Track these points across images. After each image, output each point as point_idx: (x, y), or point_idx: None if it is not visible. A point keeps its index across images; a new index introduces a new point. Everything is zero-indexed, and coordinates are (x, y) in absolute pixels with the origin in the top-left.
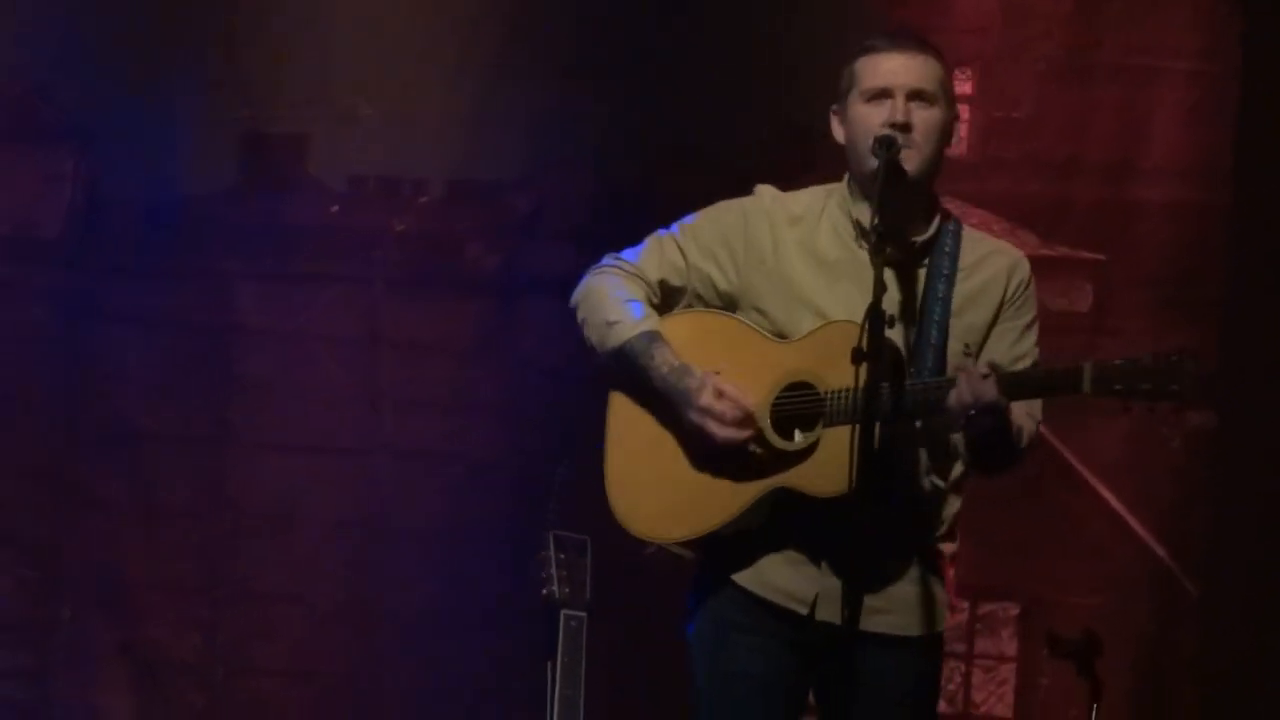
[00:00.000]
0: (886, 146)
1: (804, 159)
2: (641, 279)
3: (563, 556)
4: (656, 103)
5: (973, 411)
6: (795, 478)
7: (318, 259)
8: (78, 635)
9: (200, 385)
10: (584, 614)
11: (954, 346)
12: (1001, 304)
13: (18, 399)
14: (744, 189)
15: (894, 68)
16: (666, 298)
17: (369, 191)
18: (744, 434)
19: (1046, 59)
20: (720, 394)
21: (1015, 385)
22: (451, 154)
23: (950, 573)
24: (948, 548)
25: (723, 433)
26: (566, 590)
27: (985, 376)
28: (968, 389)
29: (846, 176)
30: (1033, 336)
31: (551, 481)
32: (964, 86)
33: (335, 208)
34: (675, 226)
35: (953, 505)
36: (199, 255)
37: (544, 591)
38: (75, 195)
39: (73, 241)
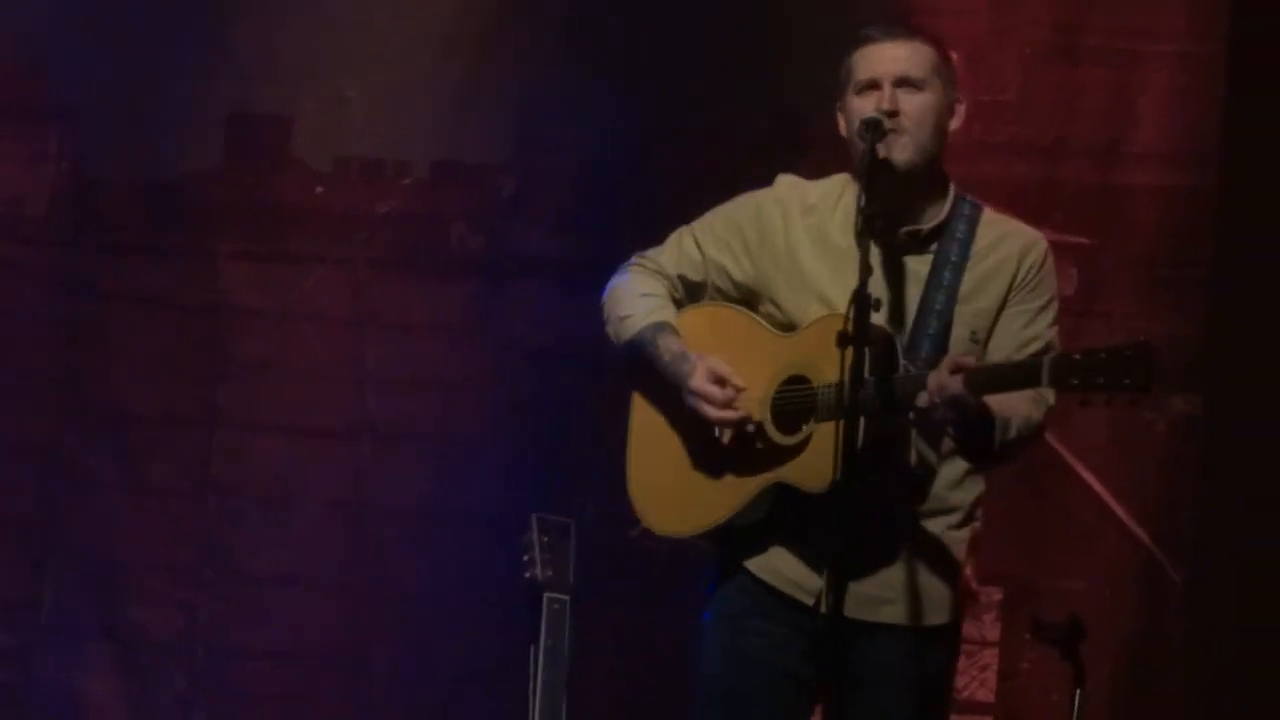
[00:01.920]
0: (872, 129)
1: (797, 143)
2: (661, 274)
3: (546, 539)
4: (645, 85)
5: (937, 401)
6: (788, 472)
7: (303, 240)
8: (61, 616)
9: (187, 365)
10: (567, 597)
11: (960, 333)
12: (1011, 287)
13: (6, 378)
14: (735, 172)
15: (881, 57)
16: (689, 292)
17: (353, 173)
18: (735, 415)
19: (1033, 42)
20: (714, 376)
21: (977, 379)
22: (436, 136)
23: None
24: (969, 533)
25: (715, 414)
26: (549, 573)
27: (954, 372)
28: (934, 382)
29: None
30: (1047, 318)
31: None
32: None
33: (320, 189)
34: (697, 221)
35: (971, 490)
36: (184, 235)
37: (527, 574)
38: (61, 175)
39: (58, 220)
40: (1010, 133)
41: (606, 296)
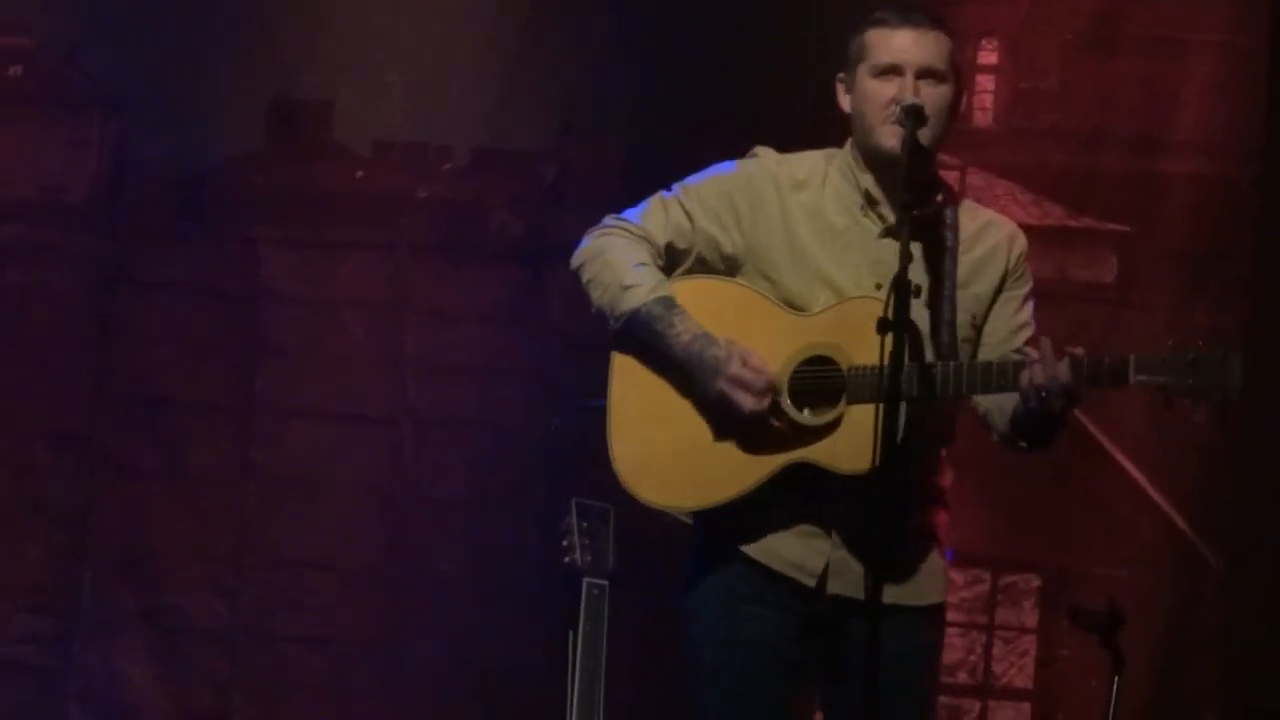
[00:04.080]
0: (913, 115)
1: (837, 130)
2: (648, 241)
3: (585, 524)
4: (686, 72)
5: (1044, 394)
6: (817, 453)
7: (344, 225)
8: (101, 601)
9: (227, 352)
10: (606, 582)
11: (961, 318)
12: (1005, 274)
13: (46, 365)
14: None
15: (905, 44)
16: (671, 260)
17: (395, 158)
18: (767, 403)
19: (1074, 30)
20: (747, 361)
21: (1083, 370)
22: (478, 121)
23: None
24: (944, 516)
25: (752, 404)
26: (589, 559)
27: (1060, 358)
28: (1043, 372)
29: (849, 144)
30: (1031, 305)
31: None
32: (990, 57)
33: (361, 174)
34: (677, 188)
35: (948, 476)
36: (226, 221)
37: (566, 560)
38: (102, 160)
39: (100, 207)
40: (1051, 120)
41: (587, 258)
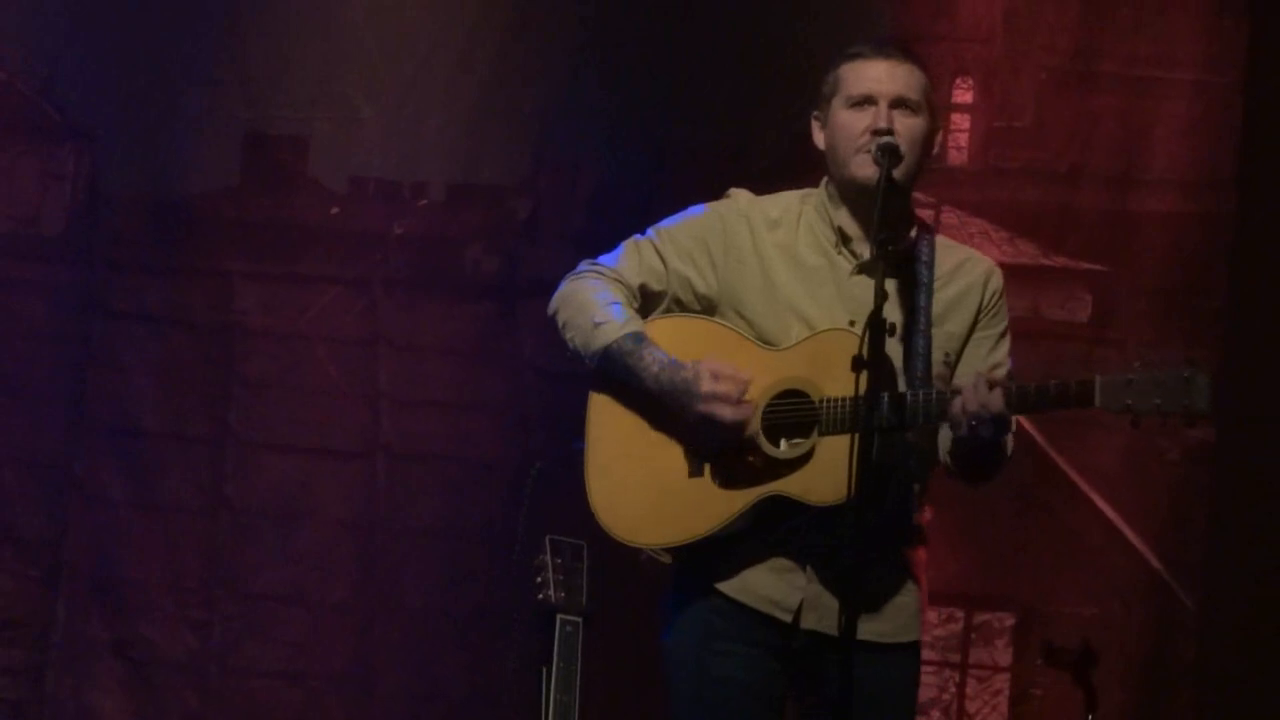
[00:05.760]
0: (889, 154)
1: (811, 162)
2: (622, 283)
3: (559, 561)
4: (659, 105)
5: (974, 422)
6: (790, 485)
7: (318, 260)
8: (73, 633)
9: (200, 384)
10: (580, 619)
11: (936, 356)
12: (979, 312)
13: (18, 395)
14: (752, 193)
15: (878, 75)
16: (646, 302)
17: (369, 193)
18: (749, 411)
19: (1049, 68)
20: (716, 375)
21: (1023, 398)
22: (452, 157)
23: (923, 579)
24: (922, 554)
25: (732, 414)
26: (563, 594)
27: (991, 388)
28: (974, 399)
29: (824, 182)
30: (1006, 344)
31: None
32: (966, 95)
33: (335, 209)
34: (650, 231)
35: (925, 514)
36: (200, 255)
37: (540, 596)
38: (77, 193)
39: (74, 239)
40: (1026, 158)
41: (564, 301)
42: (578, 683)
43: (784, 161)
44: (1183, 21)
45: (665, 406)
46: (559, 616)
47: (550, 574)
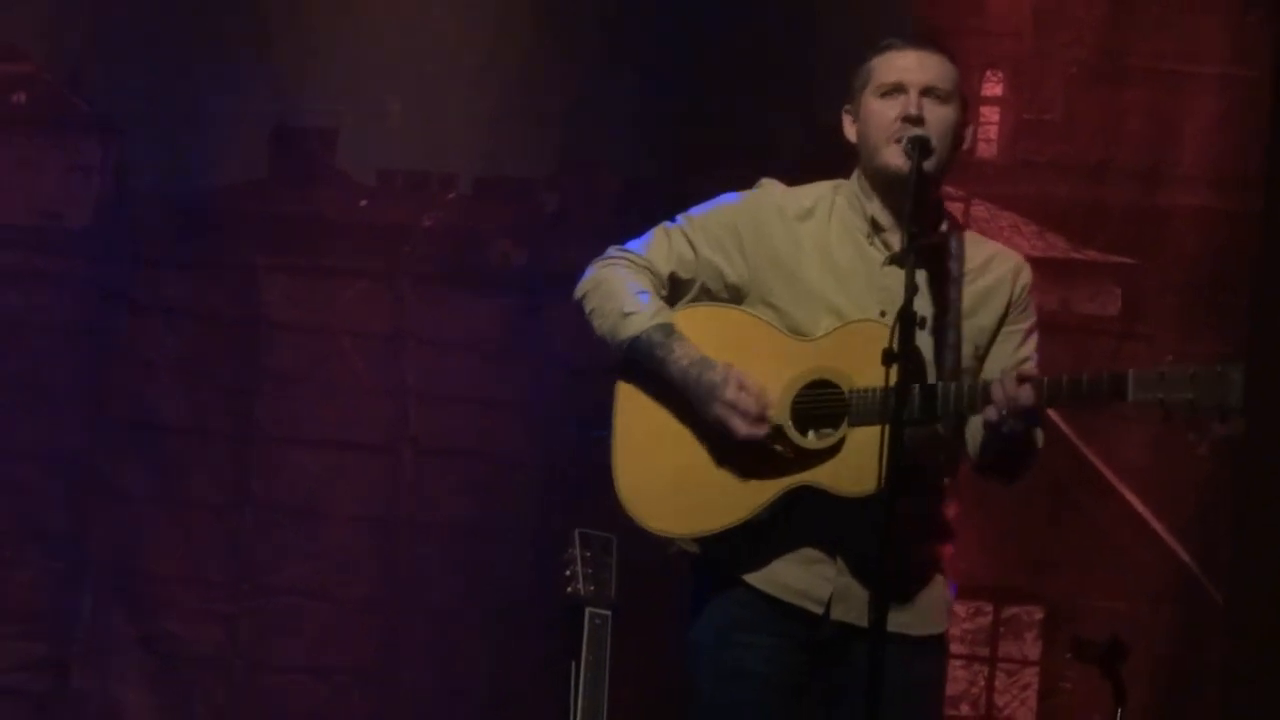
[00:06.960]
0: (920, 148)
1: (836, 159)
2: (651, 271)
3: (588, 554)
4: (686, 101)
5: (1005, 413)
6: (819, 476)
7: (345, 253)
8: (98, 627)
9: (225, 378)
10: (609, 612)
11: (965, 349)
12: (1008, 307)
13: (43, 390)
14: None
15: (909, 64)
16: (675, 290)
17: (397, 187)
18: (764, 430)
19: (1078, 62)
20: (742, 385)
21: (1055, 392)
22: (479, 150)
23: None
24: (950, 548)
25: (747, 429)
26: (591, 588)
27: (1021, 382)
28: (1003, 394)
29: (856, 173)
30: (1034, 339)
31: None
32: (995, 88)
33: (363, 202)
34: (681, 219)
35: (952, 508)
36: (226, 248)
37: (569, 589)
38: (103, 186)
39: (100, 233)
40: (1054, 152)
41: (590, 288)
42: (606, 677)
43: (810, 159)
44: (1210, 16)
45: (688, 399)
46: (588, 610)
47: (579, 567)
